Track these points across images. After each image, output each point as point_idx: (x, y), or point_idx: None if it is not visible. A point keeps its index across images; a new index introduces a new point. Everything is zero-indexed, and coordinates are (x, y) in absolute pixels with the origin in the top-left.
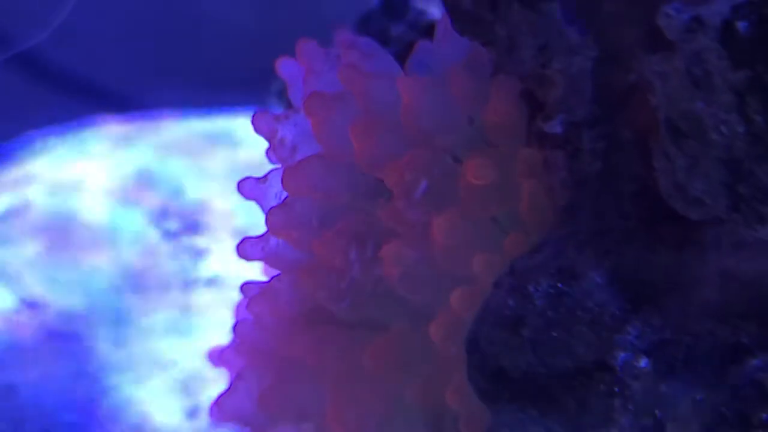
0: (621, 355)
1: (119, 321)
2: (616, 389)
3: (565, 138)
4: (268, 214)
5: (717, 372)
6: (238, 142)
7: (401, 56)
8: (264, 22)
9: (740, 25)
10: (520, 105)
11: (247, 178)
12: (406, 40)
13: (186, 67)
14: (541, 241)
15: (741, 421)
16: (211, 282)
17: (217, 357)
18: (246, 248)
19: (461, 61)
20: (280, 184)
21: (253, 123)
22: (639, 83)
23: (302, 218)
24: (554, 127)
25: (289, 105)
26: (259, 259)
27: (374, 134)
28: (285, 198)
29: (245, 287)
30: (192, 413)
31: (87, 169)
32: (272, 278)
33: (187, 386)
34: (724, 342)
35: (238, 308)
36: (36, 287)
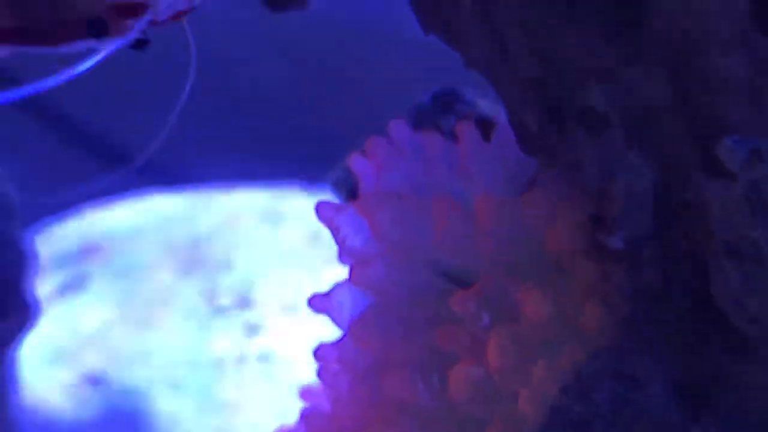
0: None
1: (178, 395)
2: None
3: (626, 252)
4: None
5: None
6: (286, 217)
7: None
8: (313, 105)
9: None
10: (585, 231)
11: (315, 295)
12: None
13: (235, 141)
14: (601, 349)
15: None
16: (263, 358)
17: None
18: (323, 353)
19: (536, 182)
20: (344, 297)
21: (316, 211)
22: (696, 201)
23: (380, 332)
24: (616, 242)
25: (348, 197)
26: (335, 362)
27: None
28: (360, 313)
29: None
30: None
31: (137, 244)
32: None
33: None
34: None
35: (305, 393)
36: (96, 362)
